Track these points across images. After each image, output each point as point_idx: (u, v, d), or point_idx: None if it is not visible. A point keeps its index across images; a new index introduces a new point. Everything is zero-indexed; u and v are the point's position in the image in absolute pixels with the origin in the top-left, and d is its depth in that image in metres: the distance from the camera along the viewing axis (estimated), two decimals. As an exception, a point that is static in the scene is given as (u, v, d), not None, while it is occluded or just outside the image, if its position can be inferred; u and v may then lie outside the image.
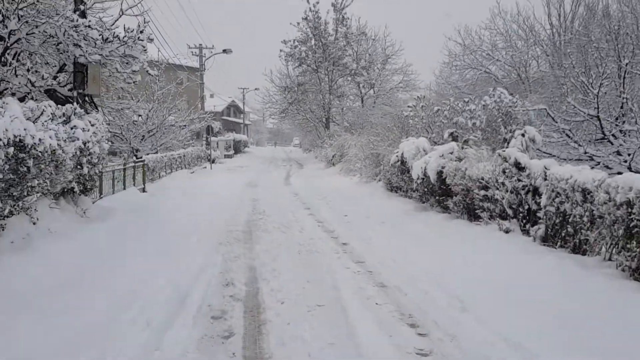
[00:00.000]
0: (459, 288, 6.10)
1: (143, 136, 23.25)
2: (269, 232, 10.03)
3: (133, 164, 15.08)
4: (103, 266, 6.97)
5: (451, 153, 11.88)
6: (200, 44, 33.50)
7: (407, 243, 8.90)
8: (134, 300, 5.62)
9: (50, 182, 7.31)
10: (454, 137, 12.97)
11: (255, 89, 62.78)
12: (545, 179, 8.26)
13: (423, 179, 12.14)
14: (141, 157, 17.60)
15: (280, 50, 40.73)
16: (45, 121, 7.57)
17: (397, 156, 15.53)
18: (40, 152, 6.65)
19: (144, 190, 15.84)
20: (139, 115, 22.94)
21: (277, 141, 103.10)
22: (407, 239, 9.25)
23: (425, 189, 12.33)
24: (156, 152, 22.15)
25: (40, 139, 6.65)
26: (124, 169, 14.06)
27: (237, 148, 47.35)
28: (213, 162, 33.45)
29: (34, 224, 7.19)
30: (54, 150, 7.10)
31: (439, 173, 11.56)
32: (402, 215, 12.17)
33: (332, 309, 5.51)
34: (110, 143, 11.66)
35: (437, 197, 11.87)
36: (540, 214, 8.21)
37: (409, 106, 19.43)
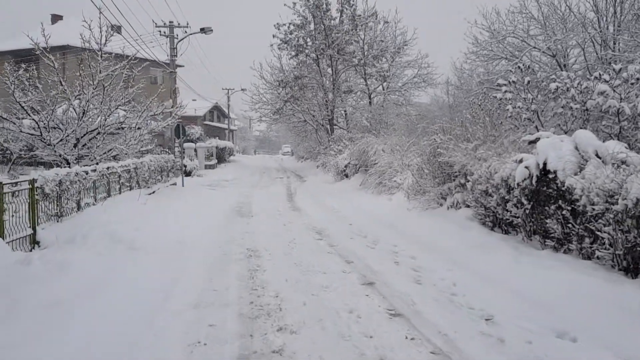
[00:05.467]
0: None
1: (78, 140, 15.37)
2: None
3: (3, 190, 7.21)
4: None
5: None
6: (171, 22, 25.54)
7: None
8: None
9: None
10: None
11: (242, 89, 55.09)
12: None
13: None
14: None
15: (273, 36, 32.99)
16: None
17: (527, 168, 8.01)
18: None
19: (32, 241, 8.00)
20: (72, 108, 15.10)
21: (263, 148, 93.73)
22: None
23: None
24: (97, 164, 14.27)
25: None
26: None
27: (221, 157, 39.38)
28: (189, 174, 25.54)
29: None
30: None
31: None
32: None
33: None
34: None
35: None
36: None
37: (499, 84, 11.93)
